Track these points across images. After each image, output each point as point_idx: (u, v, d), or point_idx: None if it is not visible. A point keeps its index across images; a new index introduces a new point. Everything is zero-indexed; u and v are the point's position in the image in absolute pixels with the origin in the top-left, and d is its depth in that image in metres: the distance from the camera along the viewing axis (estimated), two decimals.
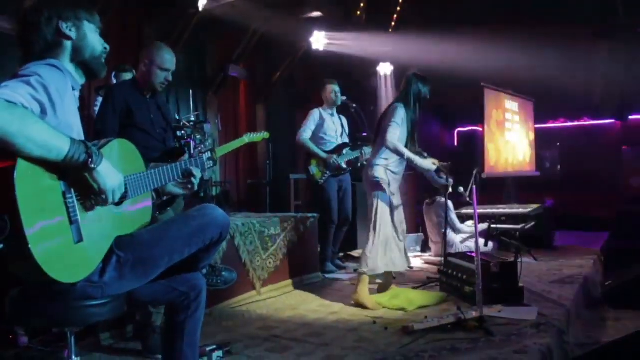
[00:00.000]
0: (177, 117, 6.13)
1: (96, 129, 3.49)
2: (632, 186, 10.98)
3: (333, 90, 5.98)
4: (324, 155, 5.84)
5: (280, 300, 4.84)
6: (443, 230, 5.61)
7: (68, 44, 2.04)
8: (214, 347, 3.31)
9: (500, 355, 3.21)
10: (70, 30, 2.03)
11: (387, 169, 4.61)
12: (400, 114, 4.54)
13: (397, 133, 4.48)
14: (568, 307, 4.30)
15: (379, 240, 4.56)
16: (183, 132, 5.72)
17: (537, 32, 10.34)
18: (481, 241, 5.68)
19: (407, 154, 4.49)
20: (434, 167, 4.67)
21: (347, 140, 6.12)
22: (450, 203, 6.26)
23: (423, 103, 4.71)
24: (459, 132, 13.57)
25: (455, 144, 13.58)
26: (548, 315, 3.99)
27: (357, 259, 6.66)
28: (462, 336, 3.54)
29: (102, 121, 3.42)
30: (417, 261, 6.69)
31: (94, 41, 2.09)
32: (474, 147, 11.13)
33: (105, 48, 2.15)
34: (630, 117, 11.86)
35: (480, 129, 9.49)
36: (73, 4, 2.06)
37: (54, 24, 2.01)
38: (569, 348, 3.70)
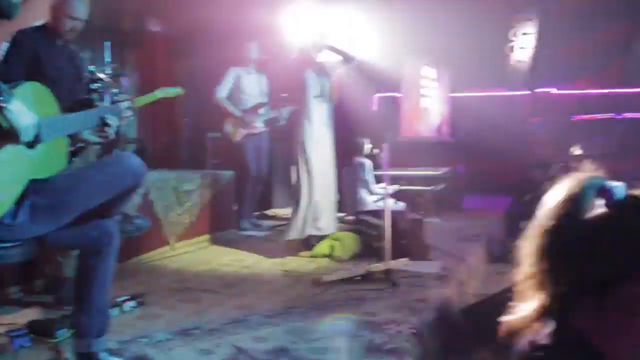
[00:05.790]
0: (92, 69, 5.93)
1: None
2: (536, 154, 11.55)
3: (248, 48, 5.97)
4: (239, 113, 5.86)
5: (195, 255, 4.88)
6: (356, 189, 5.80)
7: None
8: (127, 298, 3.34)
9: (403, 303, 3.42)
10: None
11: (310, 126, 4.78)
12: None
13: None
14: (469, 261, 4.57)
15: (301, 204, 4.74)
16: (99, 84, 5.56)
17: (455, 3, 10.60)
18: (392, 201, 5.89)
19: None
20: None
21: (266, 99, 6.13)
22: (369, 163, 6.42)
23: None
24: (378, 98, 13.77)
25: (375, 109, 13.78)
26: (451, 269, 4.24)
27: (272, 218, 6.77)
28: (370, 287, 3.73)
29: (7, 68, 3.22)
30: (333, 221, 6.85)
31: None
32: (392, 112, 11.34)
33: None
34: (537, 89, 12.42)
35: (399, 95, 9.70)
36: None
37: None
38: (468, 298, 3.95)
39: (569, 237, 0.91)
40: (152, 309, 3.36)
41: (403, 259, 4.19)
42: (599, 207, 0.93)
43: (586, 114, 12.96)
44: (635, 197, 0.93)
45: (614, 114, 12.86)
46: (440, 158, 9.74)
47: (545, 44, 10.67)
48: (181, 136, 7.89)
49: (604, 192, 0.94)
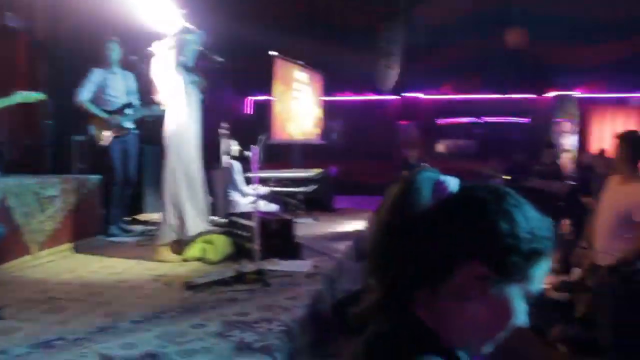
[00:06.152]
0: None
1: None
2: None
3: (109, 47, 5.80)
4: (104, 115, 5.68)
5: (60, 264, 4.67)
6: (227, 192, 5.82)
7: None
8: None
9: (274, 302, 3.49)
10: None
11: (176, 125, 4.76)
12: None
13: None
14: (339, 259, 4.74)
15: (169, 207, 4.69)
16: None
17: (328, 11, 10.89)
18: (264, 202, 5.97)
19: None
20: None
21: (134, 99, 5.97)
22: (237, 165, 6.44)
23: None
24: (254, 101, 13.86)
25: (251, 112, 13.87)
26: (321, 267, 4.38)
27: (143, 223, 6.62)
28: (242, 288, 3.77)
29: None
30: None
31: None
32: (266, 115, 11.44)
33: None
34: (404, 94, 13.08)
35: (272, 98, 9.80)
36: None
37: None
38: (338, 294, 4.11)
39: (400, 230, 0.97)
40: (11, 322, 3.18)
41: (274, 259, 4.27)
42: (433, 201, 1.00)
43: (450, 117, 13.87)
44: (466, 189, 1.00)
45: (475, 118, 13.85)
46: (312, 160, 9.99)
47: (412, 52, 11.23)
48: (44, 139, 7.48)
49: (437, 185, 1.01)
